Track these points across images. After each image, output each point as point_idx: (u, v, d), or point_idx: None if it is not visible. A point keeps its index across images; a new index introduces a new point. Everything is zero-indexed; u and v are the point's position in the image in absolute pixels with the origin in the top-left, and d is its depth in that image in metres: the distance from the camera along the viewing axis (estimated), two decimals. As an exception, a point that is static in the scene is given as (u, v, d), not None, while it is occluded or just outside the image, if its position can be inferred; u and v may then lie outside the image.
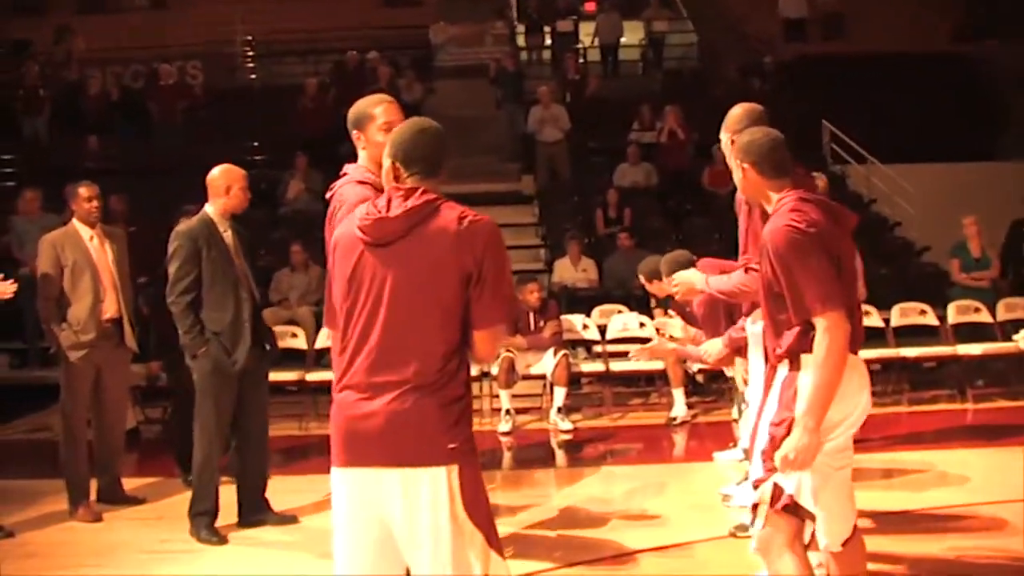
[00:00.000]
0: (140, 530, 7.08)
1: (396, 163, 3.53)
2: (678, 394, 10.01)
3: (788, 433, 3.90)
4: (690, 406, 10.11)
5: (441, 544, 3.31)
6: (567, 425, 9.92)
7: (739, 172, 4.25)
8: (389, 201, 3.45)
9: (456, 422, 3.36)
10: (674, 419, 9.95)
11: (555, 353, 10.03)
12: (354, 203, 4.09)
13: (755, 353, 5.52)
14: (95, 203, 7.47)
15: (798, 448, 3.84)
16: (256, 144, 16.58)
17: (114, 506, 7.54)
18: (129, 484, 8.00)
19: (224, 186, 6.76)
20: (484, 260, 3.36)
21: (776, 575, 4.03)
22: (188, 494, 7.04)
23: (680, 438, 9.62)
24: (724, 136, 4.99)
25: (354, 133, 4.74)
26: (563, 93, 17.10)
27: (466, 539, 3.32)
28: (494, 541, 3.40)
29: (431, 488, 3.32)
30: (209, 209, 6.80)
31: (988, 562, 5.67)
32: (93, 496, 7.48)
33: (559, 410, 10.02)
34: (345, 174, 4.73)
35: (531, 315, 10.27)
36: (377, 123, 4.68)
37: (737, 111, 5.08)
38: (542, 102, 15.66)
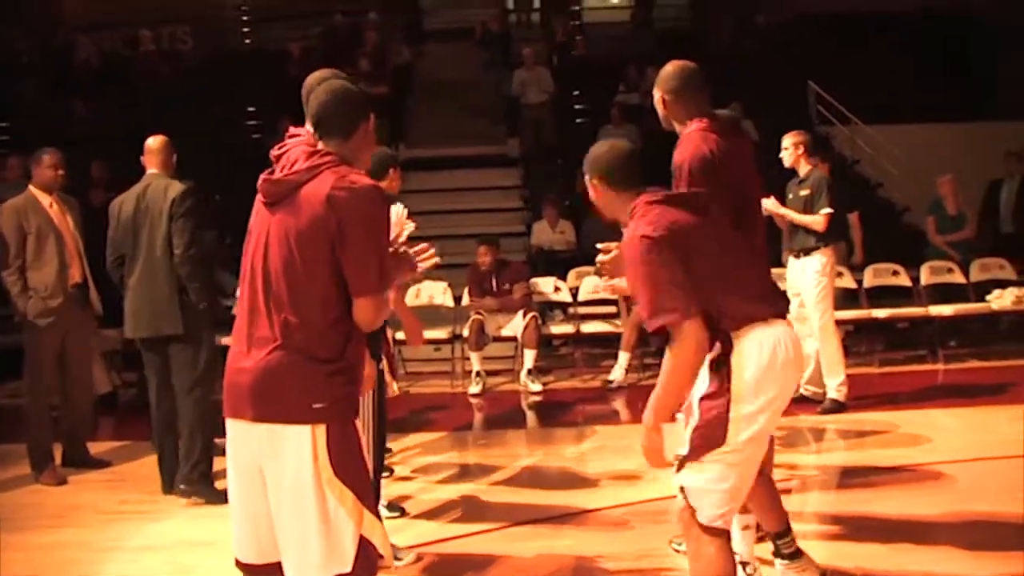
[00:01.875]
0: (102, 492, 7.17)
1: (309, 124, 3.60)
2: (622, 357, 10.07)
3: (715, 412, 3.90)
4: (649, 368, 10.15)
5: (304, 501, 3.35)
6: (537, 387, 10.03)
7: (590, 189, 4.17)
8: (294, 163, 3.48)
9: (326, 383, 3.38)
10: (611, 382, 10.06)
11: (524, 315, 10.14)
12: None
13: None
14: (60, 171, 7.53)
15: (642, 448, 3.93)
16: (251, 109, 16.63)
17: (80, 469, 7.64)
18: (102, 447, 8.15)
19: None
20: (347, 227, 3.35)
21: (693, 553, 3.99)
22: (154, 457, 7.18)
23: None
24: (656, 94, 4.93)
25: None
26: (549, 55, 17.06)
27: (334, 497, 3.36)
28: (367, 499, 3.44)
29: (295, 446, 3.36)
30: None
31: (949, 520, 5.73)
32: (58, 460, 7.58)
33: (529, 372, 10.12)
34: None
35: (492, 277, 10.38)
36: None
37: (669, 68, 4.89)
38: (526, 64, 15.64)
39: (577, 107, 16.65)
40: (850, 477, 6.74)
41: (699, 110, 4.79)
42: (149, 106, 15.53)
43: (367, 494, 3.46)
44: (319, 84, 3.72)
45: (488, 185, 14.94)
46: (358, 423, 3.51)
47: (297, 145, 3.55)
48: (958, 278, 11.07)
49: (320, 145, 3.51)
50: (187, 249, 6.65)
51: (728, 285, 3.92)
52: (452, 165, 15.13)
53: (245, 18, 20.60)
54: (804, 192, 8.41)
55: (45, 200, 7.50)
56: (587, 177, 4.13)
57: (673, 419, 4.02)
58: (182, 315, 6.70)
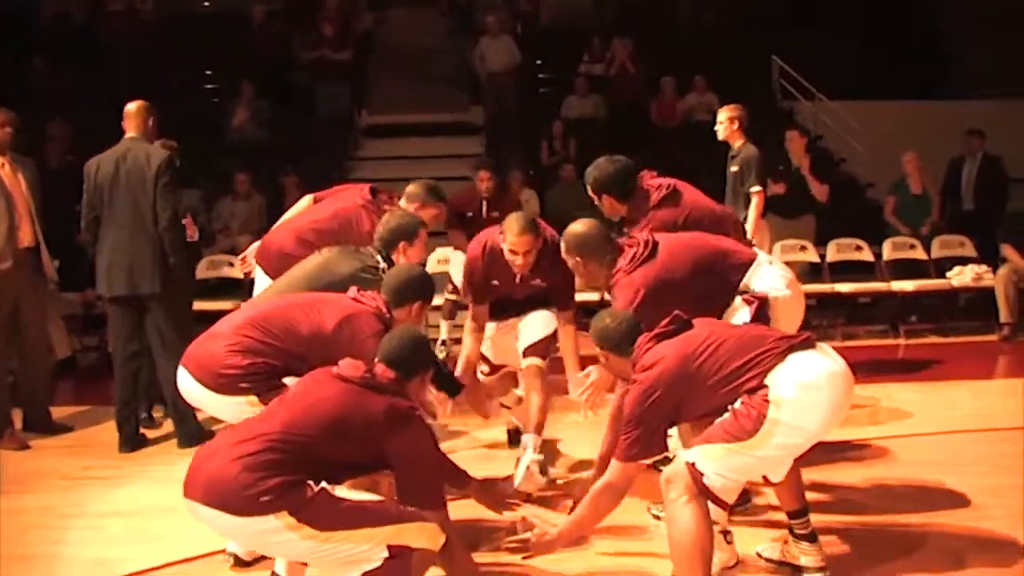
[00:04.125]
0: (65, 458, 7.10)
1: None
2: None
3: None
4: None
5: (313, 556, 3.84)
6: None
7: (602, 357, 4.65)
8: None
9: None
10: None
11: None
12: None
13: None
14: (8, 129, 7.39)
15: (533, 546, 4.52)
16: (209, 72, 16.42)
17: (41, 434, 7.56)
18: (63, 412, 8.05)
19: None
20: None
21: (674, 516, 4.12)
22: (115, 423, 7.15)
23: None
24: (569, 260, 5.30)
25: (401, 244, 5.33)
26: (513, 24, 16.95)
27: (339, 545, 3.74)
28: (383, 520, 3.79)
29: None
30: None
31: (907, 493, 5.78)
32: (19, 425, 7.50)
33: None
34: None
35: (483, 204, 9.87)
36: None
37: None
38: (490, 32, 15.51)
39: (540, 76, 16.57)
40: (809, 450, 6.74)
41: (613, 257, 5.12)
42: (109, 67, 15.32)
43: (383, 517, 3.81)
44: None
45: (450, 153, 14.81)
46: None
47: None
48: (919, 254, 11.16)
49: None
50: (173, 217, 6.90)
51: (743, 363, 4.16)
52: (414, 132, 15.04)
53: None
54: (733, 168, 8.35)
55: (-3, 160, 7.36)
56: (601, 347, 4.53)
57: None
58: (160, 276, 6.88)
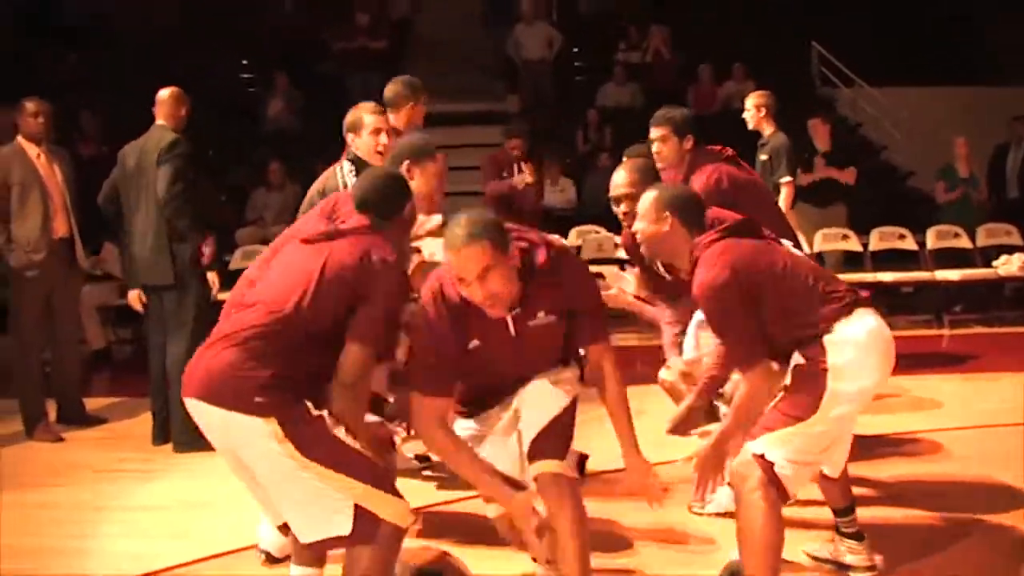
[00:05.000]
0: (98, 450, 7.08)
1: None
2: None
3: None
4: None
5: (277, 473, 3.54)
6: None
7: (656, 225, 4.17)
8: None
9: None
10: None
11: None
12: None
13: None
14: (41, 119, 7.35)
15: (699, 461, 4.13)
16: (245, 62, 16.42)
17: (75, 426, 7.54)
18: (97, 404, 8.04)
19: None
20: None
21: (746, 512, 3.93)
22: (149, 414, 7.11)
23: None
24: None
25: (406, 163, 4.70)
26: (550, 11, 16.84)
27: (314, 478, 3.49)
28: (363, 476, 3.54)
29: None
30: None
31: (949, 487, 5.64)
32: (53, 417, 7.48)
33: None
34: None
35: (515, 165, 9.89)
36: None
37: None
38: (525, 19, 15.42)
39: (576, 64, 16.45)
40: (852, 445, 6.60)
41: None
42: (141, 57, 15.31)
43: (360, 472, 3.54)
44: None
45: (486, 142, 14.71)
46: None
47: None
48: (964, 243, 10.98)
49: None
50: (170, 186, 6.73)
51: (800, 304, 3.98)
52: (449, 121, 14.95)
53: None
54: (763, 157, 8.19)
55: (32, 151, 7.33)
56: (656, 216, 4.13)
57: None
58: (172, 265, 6.81)
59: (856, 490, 4.92)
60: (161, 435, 7.01)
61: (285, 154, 12.75)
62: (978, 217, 11.44)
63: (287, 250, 3.90)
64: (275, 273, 3.79)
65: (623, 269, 5.93)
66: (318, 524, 3.55)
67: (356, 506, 3.50)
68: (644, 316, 5.59)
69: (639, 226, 4.20)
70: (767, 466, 3.90)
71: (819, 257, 10.71)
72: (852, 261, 10.72)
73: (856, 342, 3.92)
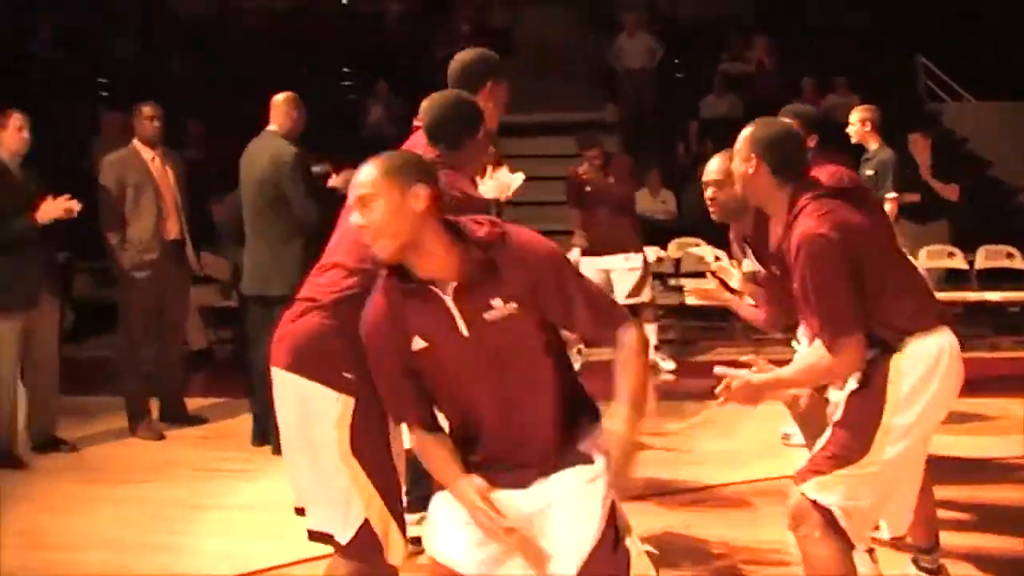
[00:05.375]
0: (198, 449, 7.21)
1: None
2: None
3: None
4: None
5: (321, 457, 3.35)
6: (669, 364, 9.30)
7: (744, 168, 3.77)
8: None
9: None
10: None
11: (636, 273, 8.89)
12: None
13: None
14: (156, 123, 7.50)
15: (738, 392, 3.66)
16: (347, 70, 16.57)
17: (177, 425, 7.67)
18: (198, 404, 8.16)
19: None
20: None
21: (809, 555, 3.64)
22: (250, 415, 7.20)
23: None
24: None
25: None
26: (651, 20, 16.77)
27: (347, 478, 3.34)
28: (386, 495, 3.37)
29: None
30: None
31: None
32: (156, 415, 7.61)
33: (657, 347, 9.20)
34: None
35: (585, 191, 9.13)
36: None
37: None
38: (627, 30, 15.38)
39: (677, 75, 16.35)
40: (954, 465, 6.41)
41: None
42: (245, 64, 15.56)
43: (386, 489, 3.37)
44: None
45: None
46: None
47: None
48: (1075, 262, 10.69)
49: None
50: (305, 200, 6.62)
51: (894, 293, 3.62)
52: (549, 131, 14.93)
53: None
54: (868, 172, 8.01)
55: (147, 154, 7.47)
56: (744, 155, 3.74)
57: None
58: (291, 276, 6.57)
59: (943, 514, 4.79)
60: (260, 436, 7.05)
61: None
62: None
63: None
64: (348, 227, 3.31)
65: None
66: (326, 520, 3.39)
67: (365, 521, 3.34)
68: (742, 314, 5.18)
69: (734, 164, 3.84)
70: (824, 511, 3.56)
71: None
72: (956, 278, 10.47)
73: (926, 362, 3.54)
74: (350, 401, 3.30)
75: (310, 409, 3.35)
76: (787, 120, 4.09)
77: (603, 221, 8.87)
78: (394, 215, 3.01)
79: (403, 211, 3.02)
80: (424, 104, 3.80)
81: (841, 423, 3.63)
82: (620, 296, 8.44)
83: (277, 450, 6.77)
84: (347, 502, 3.34)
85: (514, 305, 3.06)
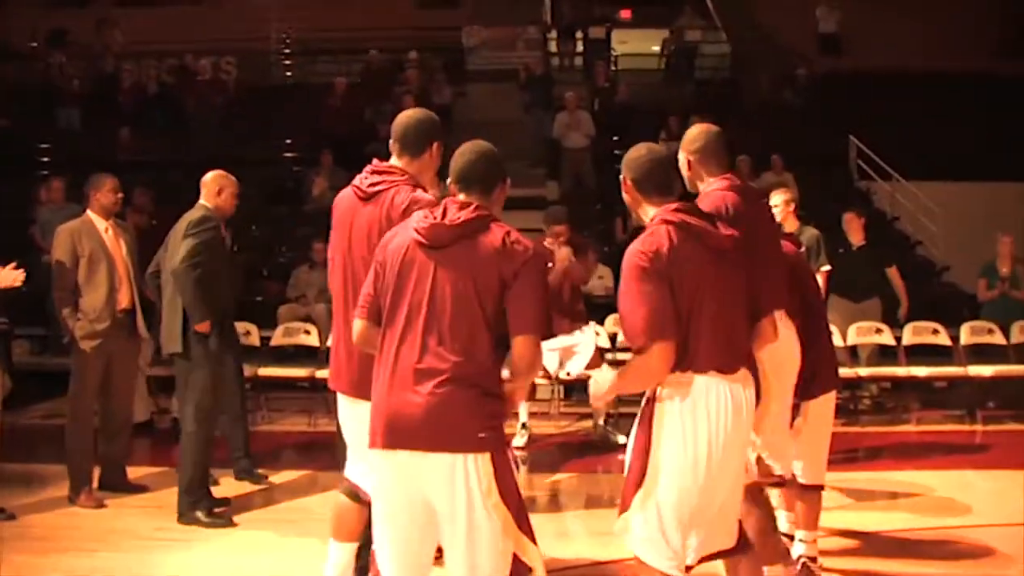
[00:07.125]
0: (140, 517, 7.18)
1: (453, 184, 3.93)
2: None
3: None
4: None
5: (477, 524, 3.64)
6: (622, 439, 9.11)
7: (624, 188, 4.31)
8: (445, 211, 3.83)
9: (490, 414, 3.67)
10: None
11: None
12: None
13: None
14: (120, 195, 7.70)
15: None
16: (289, 141, 16.75)
17: (117, 493, 7.66)
18: (137, 473, 8.13)
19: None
20: (520, 274, 3.72)
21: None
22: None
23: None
24: (681, 155, 4.91)
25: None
26: (591, 100, 17.12)
27: (499, 519, 3.64)
28: (523, 522, 3.71)
29: (466, 472, 3.62)
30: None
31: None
32: (96, 483, 7.60)
33: (607, 419, 9.67)
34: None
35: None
36: None
37: (694, 130, 4.95)
38: (568, 108, 15.69)
39: (616, 152, 16.66)
40: (880, 540, 6.60)
41: (721, 170, 4.85)
42: (191, 136, 15.69)
43: (525, 520, 3.72)
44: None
45: (526, 227, 14.86)
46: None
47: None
48: (999, 339, 10.96)
49: (463, 197, 3.88)
50: (182, 261, 6.99)
51: (700, 328, 3.96)
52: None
53: (288, 51, 20.82)
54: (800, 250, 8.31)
55: (101, 224, 7.56)
56: (622, 176, 4.25)
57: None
58: (183, 335, 7.16)
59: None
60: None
61: (328, 233, 12.92)
62: (1018, 314, 11.42)
63: (416, 262, 3.80)
64: (420, 292, 3.73)
65: None
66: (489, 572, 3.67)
67: (514, 556, 3.70)
68: None
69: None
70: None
71: (853, 351, 10.79)
72: (885, 354, 10.74)
73: (690, 411, 3.93)
74: (487, 456, 3.65)
75: (435, 479, 3.66)
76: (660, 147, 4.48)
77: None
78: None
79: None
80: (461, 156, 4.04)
81: (632, 457, 4.06)
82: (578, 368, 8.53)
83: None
84: (500, 550, 3.69)
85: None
